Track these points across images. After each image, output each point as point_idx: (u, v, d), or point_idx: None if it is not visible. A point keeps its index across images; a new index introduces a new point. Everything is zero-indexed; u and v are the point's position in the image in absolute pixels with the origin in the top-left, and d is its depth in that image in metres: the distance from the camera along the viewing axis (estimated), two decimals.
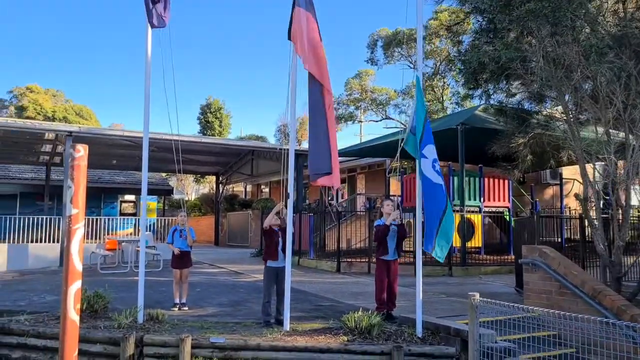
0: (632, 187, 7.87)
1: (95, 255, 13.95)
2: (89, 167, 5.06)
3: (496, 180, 15.28)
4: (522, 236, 10.95)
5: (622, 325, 5.16)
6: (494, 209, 15.46)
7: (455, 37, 22.03)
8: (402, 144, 6.67)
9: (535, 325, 6.42)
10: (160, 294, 9.49)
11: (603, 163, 7.93)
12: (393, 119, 31.74)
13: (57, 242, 15.39)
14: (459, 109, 23.18)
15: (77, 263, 4.24)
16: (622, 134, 7.95)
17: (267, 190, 30.28)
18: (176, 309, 8.25)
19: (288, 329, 6.73)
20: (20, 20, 79.10)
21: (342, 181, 25.82)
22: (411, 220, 13.69)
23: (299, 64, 6.98)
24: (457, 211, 12.64)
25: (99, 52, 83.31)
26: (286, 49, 6.86)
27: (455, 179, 14.36)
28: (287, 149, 7.42)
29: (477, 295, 5.50)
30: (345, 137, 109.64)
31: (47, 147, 19.72)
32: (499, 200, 15.31)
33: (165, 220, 18.66)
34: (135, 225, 19.55)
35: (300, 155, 16.48)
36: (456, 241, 13.42)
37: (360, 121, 35.21)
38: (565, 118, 8.48)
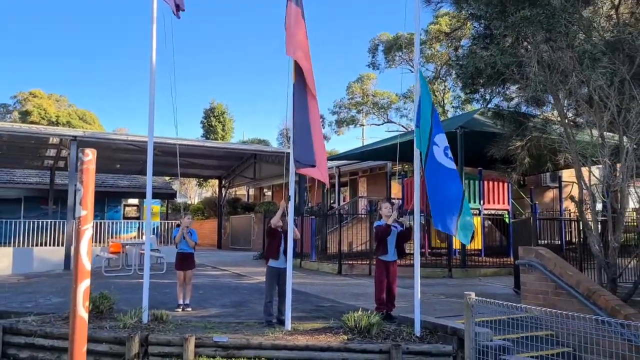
0: (627, 189, 7.98)
1: (99, 258, 14.09)
2: None
3: (496, 183, 15.35)
4: (521, 238, 11.05)
5: (616, 324, 5.31)
6: (493, 212, 15.54)
7: (453, 42, 22.17)
8: (399, 142, 6.76)
9: (533, 325, 6.51)
10: (164, 296, 9.62)
11: (601, 166, 8.06)
12: (395, 123, 31.94)
13: (62, 245, 15.51)
14: (460, 113, 23.32)
15: (86, 262, 4.41)
16: (617, 137, 8.08)
17: (269, 193, 30.41)
18: (180, 309, 8.39)
19: (289, 329, 6.85)
20: (23, 26, 79.68)
21: (344, 184, 25.93)
22: (412, 223, 13.79)
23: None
24: None
25: (101, 57, 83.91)
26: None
27: None
28: (289, 153, 7.55)
29: (473, 295, 5.64)
30: (347, 140, 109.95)
31: (52, 152, 19.85)
32: (498, 202, 15.39)
33: (168, 223, 18.82)
34: (138, 228, 19.73)
35: None
36: (456, 243, 13.56)
37: (362, 125, 35.40)
38: (561, 122, 8.62)
